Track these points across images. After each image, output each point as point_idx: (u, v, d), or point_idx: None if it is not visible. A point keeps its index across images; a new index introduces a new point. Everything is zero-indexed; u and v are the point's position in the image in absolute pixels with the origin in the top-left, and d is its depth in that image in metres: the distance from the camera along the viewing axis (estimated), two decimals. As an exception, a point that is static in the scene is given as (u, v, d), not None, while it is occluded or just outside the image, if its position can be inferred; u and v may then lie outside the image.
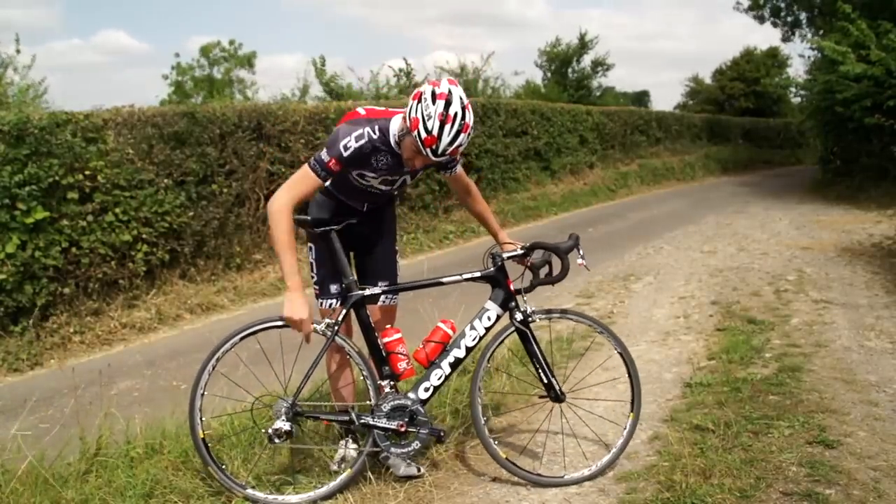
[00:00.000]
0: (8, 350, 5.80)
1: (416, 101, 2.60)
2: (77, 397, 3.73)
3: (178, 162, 7.33)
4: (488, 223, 3.23)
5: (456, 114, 2.55)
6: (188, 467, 3.04)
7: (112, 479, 2.96)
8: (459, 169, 3.08)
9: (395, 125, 2.74)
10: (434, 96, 2.56)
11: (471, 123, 2.62)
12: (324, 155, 2.68)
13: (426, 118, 2.55)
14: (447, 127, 2.55)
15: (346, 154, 2.67)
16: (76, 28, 76.43)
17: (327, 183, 2.79)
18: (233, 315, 7.06)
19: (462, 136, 2.59)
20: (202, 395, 2.78)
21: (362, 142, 2.68)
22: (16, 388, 5.25)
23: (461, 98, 2.60)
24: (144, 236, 6.93)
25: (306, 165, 2.71)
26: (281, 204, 2.66)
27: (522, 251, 3.03)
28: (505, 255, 2.99)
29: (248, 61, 34.93)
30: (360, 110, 2.84)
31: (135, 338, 6.45)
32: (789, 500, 2.72)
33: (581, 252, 2.97)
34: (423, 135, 2.55)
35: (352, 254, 3.11)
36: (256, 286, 7.85)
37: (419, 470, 2.99)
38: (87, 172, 6.50)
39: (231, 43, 34.61)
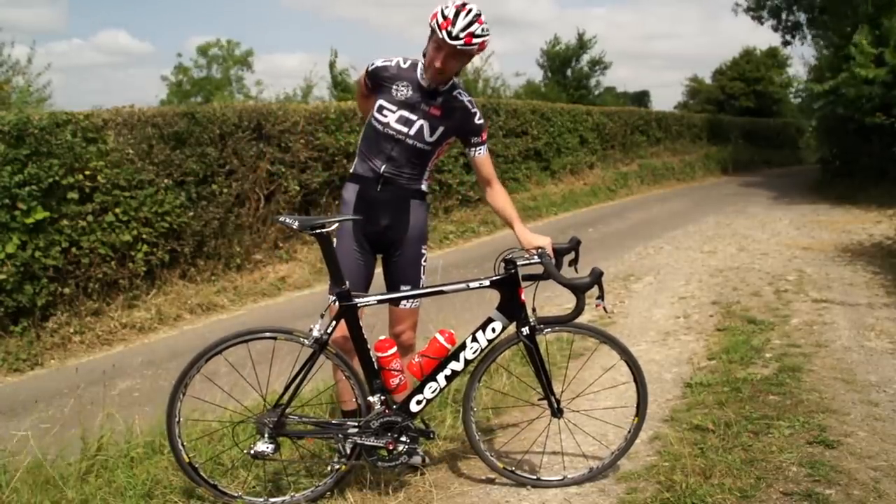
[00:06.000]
0: (8, 350, 5.80)
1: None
2: (77, 397, 3.73)
3: (178, 162, 7.32)
4: (507, 218, 3.02)
5: (471, 9, 2.78)
6: (188, 467, 3.04)
7: (112, 479, 2.96)
8: (485, 153, 3.02)
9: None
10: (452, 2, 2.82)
11: (485, 22, 2.80)
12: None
13: (444, 8, 2.79)
14: (462, 14, 2.76)
15: (370, 69, 3.01)
16: (78, 28, 76.63)
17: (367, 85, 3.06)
18: (233, 315, 7.06)
19: (476, 25, 2.77)
20: (178, 422, 2.70)
21: (388, 63, 3.00)
22: (16, 389, 5.25)
23: (476, 6, 2.81)
24: (144, 236, 6.93)
25: None
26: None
27: (538, 262, 2.78)
28: (519, 263, 2.78)
29: (245, 61, 34.99)
30: None
31: (135, 338, 6.45)
32: (789, 500, 2.72)
33: (602, 291, 2.74)
34: (440, 20, 2.76)
35: (380, 257, 3.08)
36: (256, 286, 7.86)
37: (424, 461, 2.91)
38: (87, 172, 6.49)
39: (228, 42, 34.71)
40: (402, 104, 2.93)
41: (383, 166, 2.96)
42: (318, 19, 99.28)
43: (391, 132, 2.93)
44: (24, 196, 5.99)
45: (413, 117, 2.93)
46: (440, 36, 2.76)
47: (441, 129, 2.96)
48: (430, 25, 2.80)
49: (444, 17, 2.75)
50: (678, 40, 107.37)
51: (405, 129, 2.93)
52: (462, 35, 2.75)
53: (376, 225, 2.98)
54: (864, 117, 13.73)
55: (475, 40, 2.78)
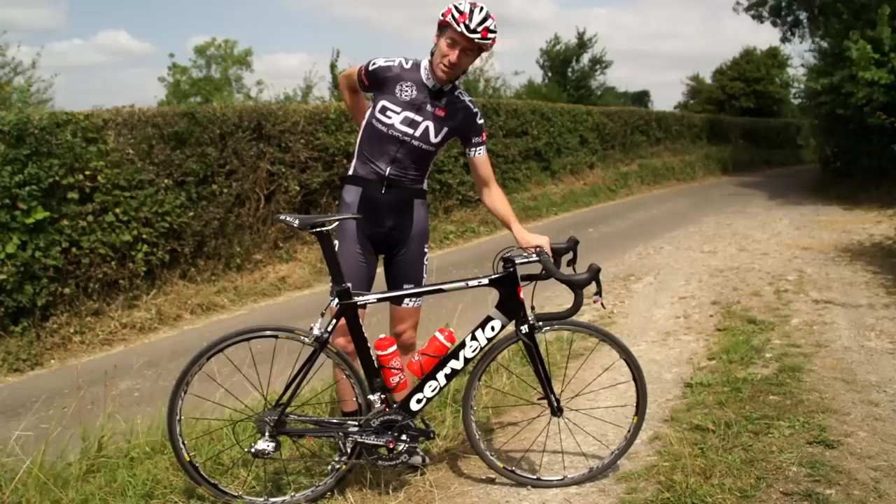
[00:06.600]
0: (8, 350, 5.80)
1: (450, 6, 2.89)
2: (79, 398, 3.72)
3: (178, 162, 7.33)
4: (504, 219, 3.02)
5: (482, 7, 2.83)
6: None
7: (113, 479, 2.96)
8: (485, 154, 3.04)
9: (427, 60, 2.98)
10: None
11: (495, 19, 2.85)
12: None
13: (458, 5, 2.83)
14: (476, 9, 2.81)
15: (371, 67, 2.97)
16: (78, 28, 76.63)
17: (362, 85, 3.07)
18: (233, 315, 7.06)
19: (490, 21, 2.81)
20: (179, 420, 2.69)
21: (391, 63, 2.96)
22: (16, 389, 5.25)
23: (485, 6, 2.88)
24: (144, 236, 6.93)
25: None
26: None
27: (537, 261, 2.80)
28: (518, 261, 2.78)
29: (244, 60, 34.96)
30: None
31: (135, 338, 6.45)
32: (789, 500, 2.72)
33: (599, 287, 2.76)
34: (456, 14, 2.80)
35: (381, 257, 3.08)
36: (257, 286, 7.86)
37: (424, 461, 2.89)
38: (87, 172, 6.50)
39: (225, 42, 34.68)
40: (408, 105, 2.92)
41: (388, 168, 2.94)
42: (319, 19, 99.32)
43: (396, 133, 2.92)
44: (25, 196, 6.00)
45: (418, 118, 2.92)
46: (458, 29, 2.78)
47: (446, 129, 2.97)
48: (446, 20, 2.82)
49: (460, 12, 2.79)
50: (679, 40, 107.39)
51: (410, 131, 2.92)
52: (479, 29, 2.79)
53: (381, 226, 2.97)
54: (865, 118, 13.73)
55: (490, 35, 2.83)
